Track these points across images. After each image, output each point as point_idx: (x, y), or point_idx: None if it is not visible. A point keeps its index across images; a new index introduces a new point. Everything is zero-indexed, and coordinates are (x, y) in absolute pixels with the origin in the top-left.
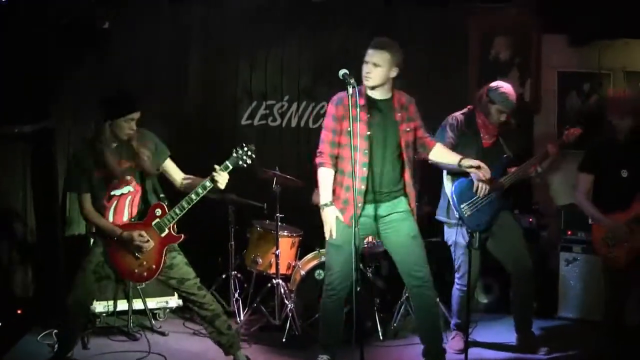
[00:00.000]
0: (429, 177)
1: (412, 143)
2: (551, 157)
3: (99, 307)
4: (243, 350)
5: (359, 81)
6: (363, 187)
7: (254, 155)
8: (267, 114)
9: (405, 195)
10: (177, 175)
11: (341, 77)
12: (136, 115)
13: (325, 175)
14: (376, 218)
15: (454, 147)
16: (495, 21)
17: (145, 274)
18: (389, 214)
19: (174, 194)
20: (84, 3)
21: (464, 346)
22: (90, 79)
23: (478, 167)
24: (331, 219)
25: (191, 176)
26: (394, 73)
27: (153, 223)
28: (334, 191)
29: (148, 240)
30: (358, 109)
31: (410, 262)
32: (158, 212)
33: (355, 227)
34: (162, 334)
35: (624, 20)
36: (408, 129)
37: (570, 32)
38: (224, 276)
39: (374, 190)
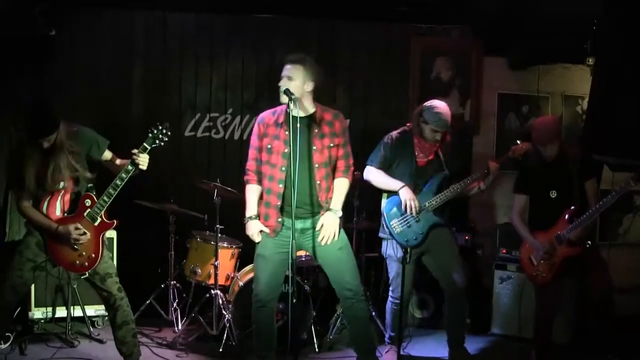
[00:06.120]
0: (368, 193)
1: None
2: (492, 173)
3: (38, 313)
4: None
5: None
6: (279, 203)
7: (169, 133)
8: (211, 126)
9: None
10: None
11: (283, 93)
12: (53, 136)
13: (250, 191)
14: (302, 231)
15: (389, 165)
16: (437, 42)
17: (86, 263)
18: (315, 227)
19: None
20: (26, 11)
21: None
22: (34, 86)
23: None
24: (252, 231)
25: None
26: (309, 87)
27: (85, 214)
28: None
29: (84, 232)
30: (278, 127)
31: (341, 274)
32: (88, 202)
33: (292, 239)
34: (100, 341)
35: (563, 45)
36: (332, 145)
37: (510, 55)
38: (163, 286)
39: (296, 205)
